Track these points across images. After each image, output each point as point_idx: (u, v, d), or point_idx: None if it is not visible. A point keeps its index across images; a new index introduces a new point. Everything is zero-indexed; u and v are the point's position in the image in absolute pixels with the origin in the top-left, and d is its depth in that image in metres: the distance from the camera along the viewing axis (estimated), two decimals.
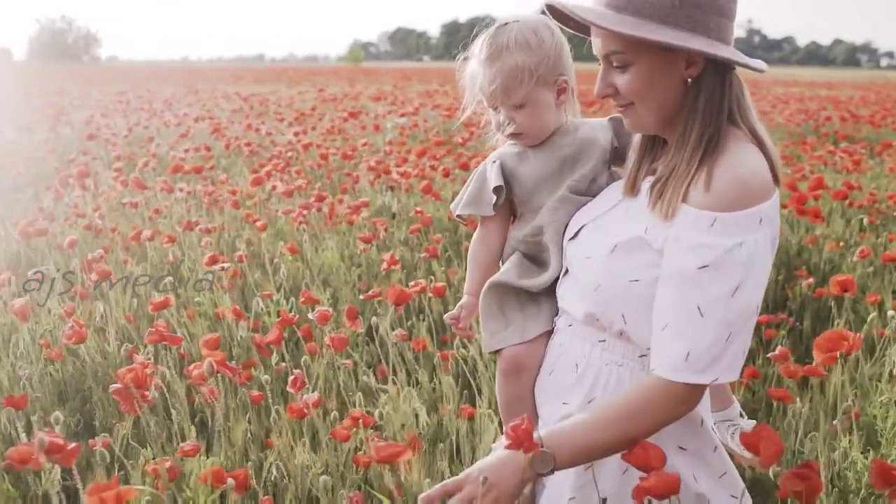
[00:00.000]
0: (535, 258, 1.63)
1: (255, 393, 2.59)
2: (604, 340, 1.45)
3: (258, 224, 4.36)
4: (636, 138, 1.53)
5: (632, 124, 1.45)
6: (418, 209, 4.71)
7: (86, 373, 2.91)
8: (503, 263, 1.67)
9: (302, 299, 3.05)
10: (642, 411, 1.34)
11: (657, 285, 1.35)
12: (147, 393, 2.25)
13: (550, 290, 1.59)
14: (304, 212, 4.47)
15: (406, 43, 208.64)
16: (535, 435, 1.33)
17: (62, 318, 2.93)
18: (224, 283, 3.50)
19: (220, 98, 16.13)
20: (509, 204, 1.65)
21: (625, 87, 1.39)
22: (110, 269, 3.37)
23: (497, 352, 1.61)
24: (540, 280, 1.58)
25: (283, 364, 2.87)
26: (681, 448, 1.45)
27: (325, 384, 2.75)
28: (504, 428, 1.57)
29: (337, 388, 2.75)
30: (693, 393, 1.33)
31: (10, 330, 3.15)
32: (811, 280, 3.94)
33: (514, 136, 1.61)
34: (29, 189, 6.32)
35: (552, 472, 1.34)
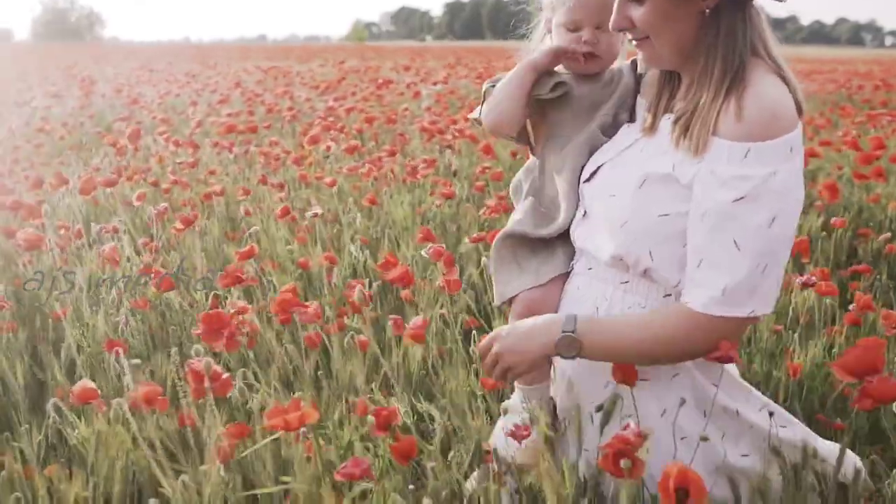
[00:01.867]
0: (548, 203, 1.61)
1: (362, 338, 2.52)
2: (626, 282, 1.44)
3: (326, 181, 4.29)
4: (650, 76, 1.50)
5: (648, 59, 1.42)
6: (485, 166, 4.62)
7: (173, 321, 2.83)
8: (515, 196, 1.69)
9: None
10: (673, 338, 1.35)
11: (689, 222, 1.34)
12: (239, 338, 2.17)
13: (564, 235, 1.57)
14: (374, 168, 4.39)
15: (409, 23, 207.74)
16: (567, 315, 1.40)
17: (145, 268, 2.86)
18: (298, 236, 3.44)
19: (241, 72, 15.98)
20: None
21: (640, 19, 1.37)
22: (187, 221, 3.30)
23: (509, 301, 1.59)
24: (554, 226, 1.56)
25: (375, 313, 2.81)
26: None
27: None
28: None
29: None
30: (730, 326, 1.33)
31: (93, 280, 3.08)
32: (888, 234, 3.86)
33: (588, 56, 1.55)
34: (72, 153, 6.24)
35: (574, 357, 1.40)
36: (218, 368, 1.51)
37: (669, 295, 1.41)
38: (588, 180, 1.51)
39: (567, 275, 1.57)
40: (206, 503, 1.49)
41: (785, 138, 1.29)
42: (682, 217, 1.35)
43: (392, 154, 4.67)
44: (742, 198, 1.27)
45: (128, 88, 11.71)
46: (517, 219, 1.61)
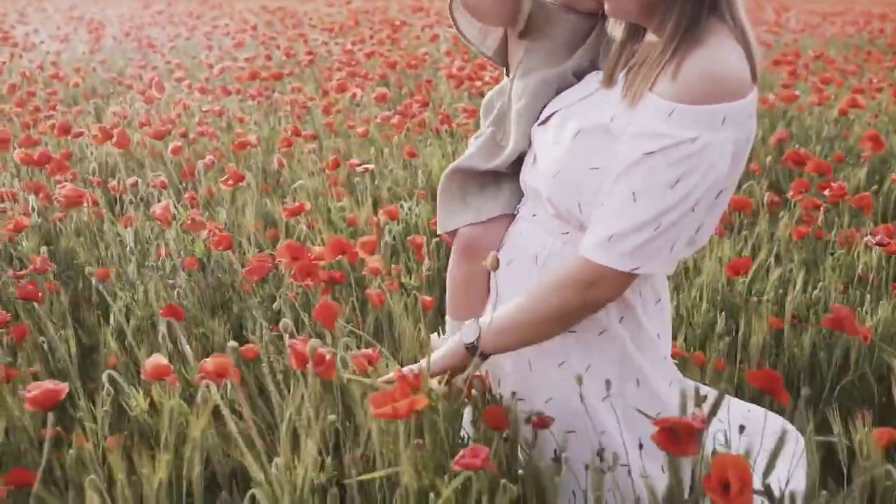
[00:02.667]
0: (502, 140, 1.57)
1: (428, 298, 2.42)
2: (567, 233, 1.42)
3: (358, 131, 4.15)
4: (613, 30, 1.44)
5: (612, 9, 1.35)
6: None
7: (225, 282, 2.74)
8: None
9: None
10: (556, 288, 1.34)
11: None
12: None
13: (514, 175, 1.54)
14: (405, 118, 4.25)
15: None
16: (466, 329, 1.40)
17: (190, 226, 2.74)
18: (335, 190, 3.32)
19: (246, 12, 15.62)
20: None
21: None
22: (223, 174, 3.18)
23: (452, 233, 1.58)
24: (501, 158, 1.53)
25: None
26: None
27: None
28: (447, 306, 1.64)
29: None
30: (609, 279, 1.30)
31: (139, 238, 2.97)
32: None
33: None
34: (85, 100, 6.07)
35: (484, 356, 1.39)
36: (323, 350, 1.39)
37: None
38: (542, 124, 1.47)
39: (513, 216, 1.55)
40: (299, 490, 1.40)
41: (720, 107, 1.23)
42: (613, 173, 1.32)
43: (424, 105, 4.51)
44: (651, 153, 1.25)
45: (135, 31, 11.44)
46: (470, 152, 1.57)
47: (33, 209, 2.73)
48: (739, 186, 3.64)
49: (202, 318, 2.37)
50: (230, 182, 2.76)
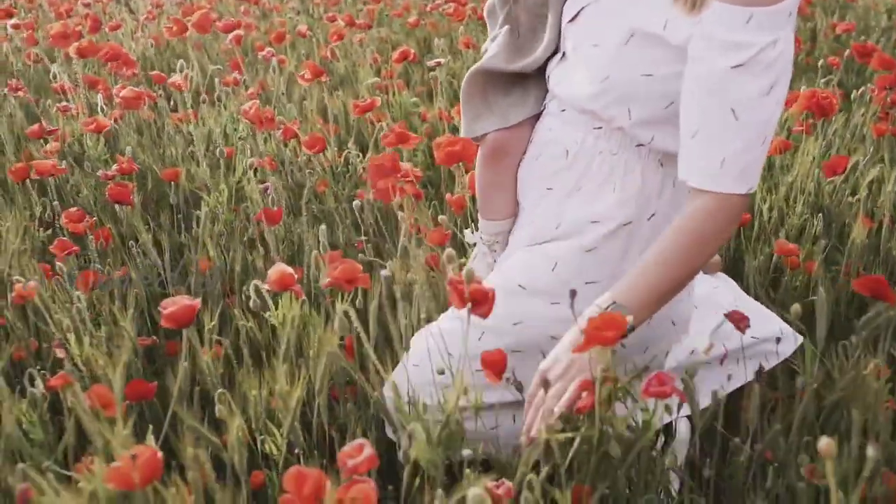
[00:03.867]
0: (525, 33, 1.52)
1: None
2: (599, 128, 1.40)
3: (409, 21, 3.99)
4: None
5: None
6: None
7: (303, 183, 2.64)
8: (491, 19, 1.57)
9: None
10: (693, 232, 1.27)
11: (683, 89, 1.26)
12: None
13: (539, 73, 1.50)
14: (459, 7, 4.06)
15: None
16: (600, 303, 1.24)
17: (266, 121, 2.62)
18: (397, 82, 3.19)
19: None
20: None
21: None
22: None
23: (479, 137, 1.55)
24: (531, 59, 1.49)
25: None
26: None
27: None
28: (479, 205, 1.61)
29: None
30: (730, 205, 1.25)
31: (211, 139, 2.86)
32: None
33: None
34: None
35: (633, 330, 1.22)
36: (484, 286, 1.27)
37: (642, 145, 1.37)
38: (572, 20, 1.41)
39: (538, 116, 1.52)
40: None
41: (787, 3, 1.20)
42: (668, 79, 1.29)
43: None
44: (741, 65, 1.20)
45: None
46: (492, 53, 1.52)
47: (99, 108, 2.62)
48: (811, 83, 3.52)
49: (289, 223, 2.29)
50: (308, 77, 2.63)
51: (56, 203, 2.31)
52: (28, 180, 2.28)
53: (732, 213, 1.27)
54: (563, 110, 1.45)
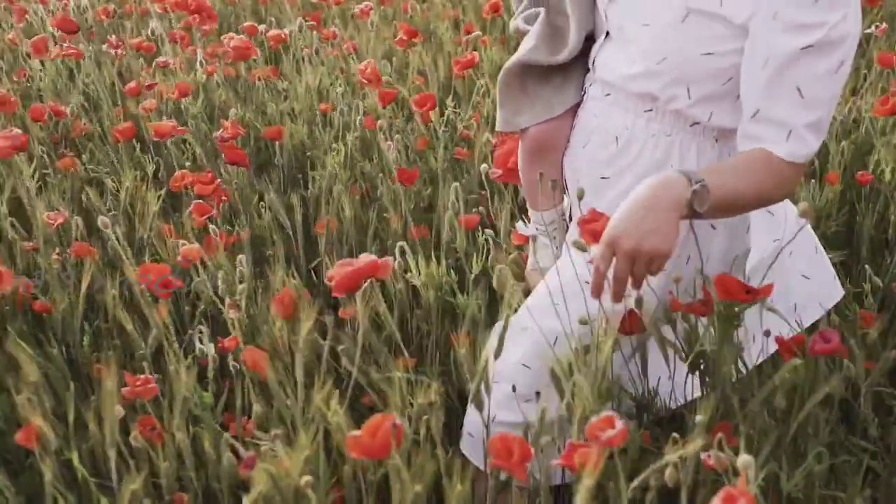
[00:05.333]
0: (555, 17, 1.47)
1: None
2: (650, 110, 1.34)
3: None
4: None
5: None
6: None
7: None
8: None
9: None
10: (764, 183, 1.24)
11: (744, 67, 1.23)
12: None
13: (578, 58, 1.45)
14: None
15: None
16: (682, 171, 1.18)
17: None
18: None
19: None
20: None
21: None
22: None
23: (520, 132, 1.51)
24: (567, 50, 1.44)
25: None
26: None
27: None
28: (528, 200, 1.58)
29: None
30: (793, 173, 1.25)
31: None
32: None
33: None
34: None
35: (700, 216, 1.18)
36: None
37: (698, 124, 1.33)
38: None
39: (578, 104, 1.47)
40: None
41: None
42: (727, 56, 1.25)
43: None
44: (811, 46, 1.17)
45: None
46: (530, 45, 1.47)
47: (201, 63, 2.57)
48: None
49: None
50: (403, 39, 2.57)
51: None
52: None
53: (792, 179, 1.27)
54: (608, 94, 1.40)
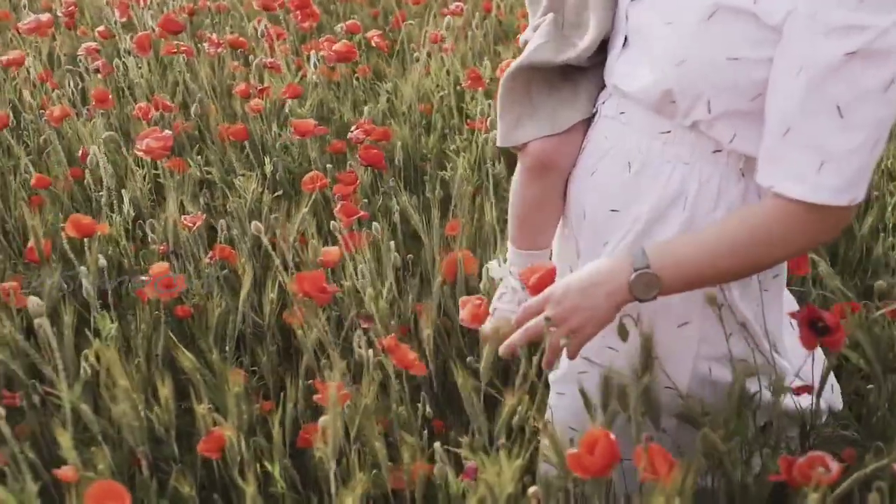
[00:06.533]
0: (571, 20, 1.29)
1: None
2: (668, 132, 1.17)
3: None
4: None
5: None
6: None
7: None
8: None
9: None
10: (769, 240, 1.10)
11: (774, 77, 1.05)
12: None
13: (591, 69, 1.28)
14: None
15: None
16: (633, 252, 1.11)
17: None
18: None
19: None
20: None
21: None
22: None
23: (520, 147, 1.32)
24: (582, 45, 1.26)
25: None
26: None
27: None
28: (511, 232, 1.42)
29: None
30: (827, 218, 1.07)
31: None
32: None
33: None
34: None
35: (654, 298, 1.11)
36: None
37: (720, 151, 1.15)
38: None
39: (589, 120, 1.30)
40: None
41: None
42: (757, 65, 1.07)
43: None
44: (855, 52, 0.98)
45: None
46: (538, 43, 1.29)
47: (313, 63, 2.55)
48: None
49: None
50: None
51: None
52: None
53: (826, 225, 1.09)
54: (623, 112, 1.24)
